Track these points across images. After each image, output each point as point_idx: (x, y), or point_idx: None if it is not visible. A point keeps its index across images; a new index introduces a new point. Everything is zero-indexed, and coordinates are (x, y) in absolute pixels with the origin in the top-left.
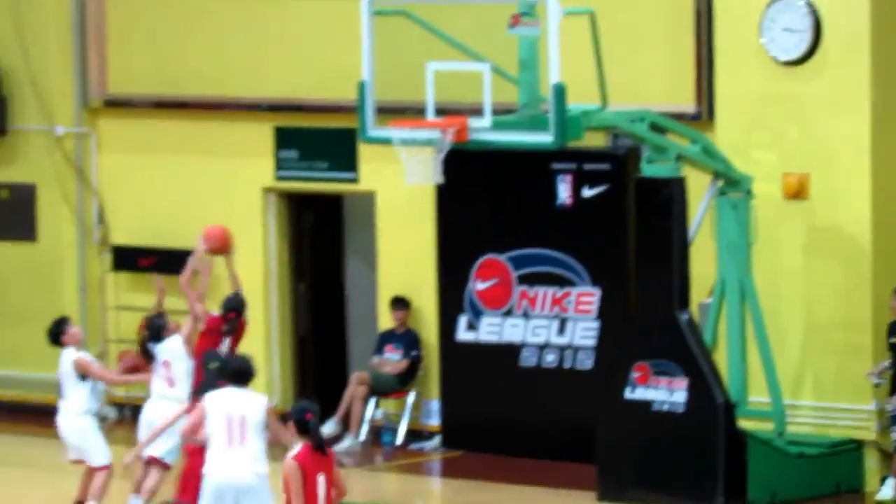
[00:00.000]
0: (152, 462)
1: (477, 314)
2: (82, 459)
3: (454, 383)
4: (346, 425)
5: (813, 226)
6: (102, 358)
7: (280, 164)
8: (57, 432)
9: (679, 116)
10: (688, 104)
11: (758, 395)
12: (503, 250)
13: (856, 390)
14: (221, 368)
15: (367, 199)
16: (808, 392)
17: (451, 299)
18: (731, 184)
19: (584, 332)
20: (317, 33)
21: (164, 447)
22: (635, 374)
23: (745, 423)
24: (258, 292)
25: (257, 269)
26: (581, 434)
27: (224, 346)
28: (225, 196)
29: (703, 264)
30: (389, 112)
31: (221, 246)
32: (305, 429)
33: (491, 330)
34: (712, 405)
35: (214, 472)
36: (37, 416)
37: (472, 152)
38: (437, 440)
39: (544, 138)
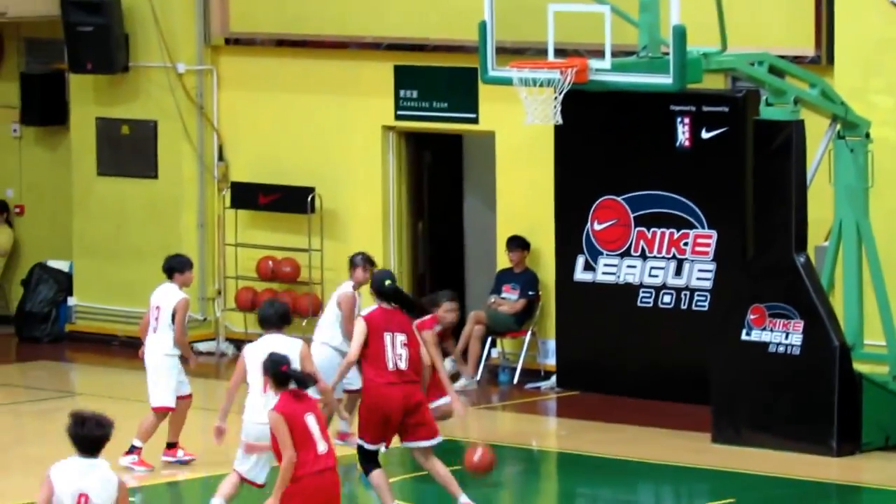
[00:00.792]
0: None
1: (594, 255)
2: (183, 394)
3: (570, 323)
4: (463, 363)
5: None
6: (221, 294)
7: (400, 104)
8: None
9: (798, 60)
10: (807, 48)
11: (873, 339)
12: (621, 192)
13: None
14: (261, 315)
15: (487, 139)
16: None
17: (569, 240)
18: (849, 127)
19: (700, 274)
20: None
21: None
22: (751, 317)
23: (860, 366)
24: (377, 231)
25: (376, 208)
26: (696, 375)
27: None
28: (345, 135)
29: (821, 208)
30: (510, 52)
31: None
32: (283, 380)
33: (608, 270)
34: (828, 348)
35: (248, 422)
36: None
37: (591, 93)
38: (552, 380)
39: (664, 80)
